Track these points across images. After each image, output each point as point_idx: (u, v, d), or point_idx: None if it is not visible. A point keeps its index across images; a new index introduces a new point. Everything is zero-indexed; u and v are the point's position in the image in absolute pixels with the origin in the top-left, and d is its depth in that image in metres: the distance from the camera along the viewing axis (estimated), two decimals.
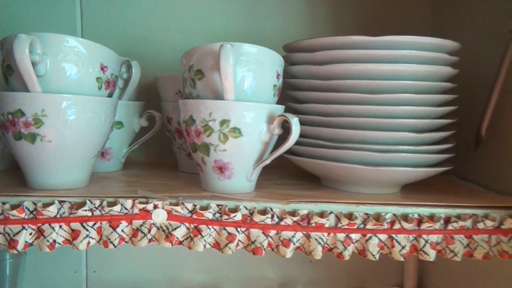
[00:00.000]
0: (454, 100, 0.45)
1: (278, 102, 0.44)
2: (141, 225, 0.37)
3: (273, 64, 0.42)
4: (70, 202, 0.37)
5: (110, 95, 0.44)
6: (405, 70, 0.41)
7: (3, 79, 0.40)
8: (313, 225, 0.38)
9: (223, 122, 0.39)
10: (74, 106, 0.38)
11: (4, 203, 0.36)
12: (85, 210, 0.36)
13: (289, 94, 0.49)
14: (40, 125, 0.37)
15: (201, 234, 0.38)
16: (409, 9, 0.66)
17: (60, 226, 0.37)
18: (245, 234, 0.38)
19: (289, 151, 0.47)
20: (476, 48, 0.52)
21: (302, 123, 0.42)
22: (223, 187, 0.42)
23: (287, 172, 0.56)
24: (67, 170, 0.41)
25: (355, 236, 0.39)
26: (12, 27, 0.62)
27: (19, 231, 0.36)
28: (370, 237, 0.39)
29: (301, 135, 0.42)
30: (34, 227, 0.36)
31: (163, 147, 0.64)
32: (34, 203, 0.36)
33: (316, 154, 0.44)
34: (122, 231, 0.37)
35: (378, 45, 0.40)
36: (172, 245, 0.37)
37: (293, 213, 0.39)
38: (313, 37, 0.67)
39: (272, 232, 0.38)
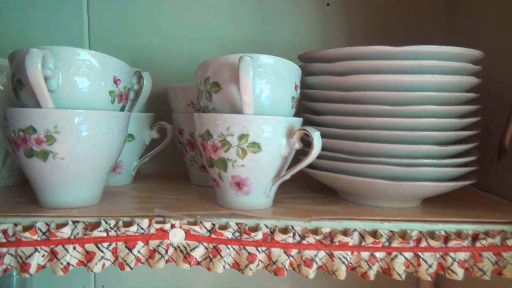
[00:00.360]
0: (477, 111, 0.44)
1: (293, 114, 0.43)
2: (158, 246, 0.36)
3: (291, 75, 0.41)
4: (84, 223, 0.36)
5: (122, 109, 0.43)
6: (428, 81, 0.39)
7: (13, 94, 0.39)
8: (337, 243, 0.37)
9: (242, 137, 0.37)
10: (87, 122, 0.37)
11: (16, 224, 0.35)
12: (100, 231, 0.35)
13: (305, 105, 0.48)
14: (52, 142, 0.36)
15: (220, 255, 0.36)
16: (421, 14, 0.65)
17: (74, 248, 0.35)
18: (265, 253, 0.37)
19: (307, 165, 0.45)
20: (496, 55, 0.51)
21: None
22: (240, 203, 0.41)
23: (303, 184, 0.54)
24: (80, 188, 0.39)
25: (379, 254, 0.37)
26: (19, 39, 0.61)
27: (32, 254, 0.35)
28: (396, 256, 0.37)
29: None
30: (47, 249, 0.35)
31: (173, 159, 0.63)
32: (47, 224, 0.35)
33: (336, 167, 0.43)
34: (139, 252, 0.36)
35: (401, 55, 0.39)
36: (190, 266, 0.36)
37: (315, 231, 0.37)
38: (326, 45, 0.66)
39: (294, 251, 0.37)
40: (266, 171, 0.40)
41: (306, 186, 0.54)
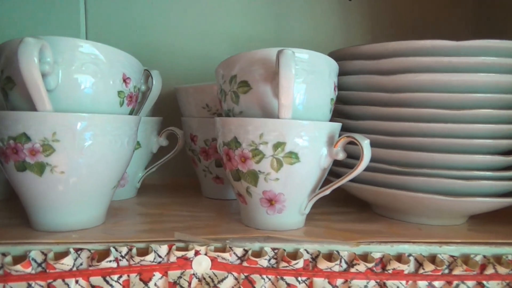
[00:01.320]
0: None
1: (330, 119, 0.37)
2: (179, 277, 0.30)
3: (331, 74, 0.35)
4: (89, 251, 0.29)
5: (131, 113, 0.37)
6: (490, 81, 0.34)
7: (1, 95, 0.33)
8: (390, 271, 0.31)
9: (277, 146, 0.32)
10: (92, 128, 0.31)
11: (4, 254, 0.28)
12: (110, 261, 0.29)
13: (336, 108, 0.43)
14: (50, 153, 0.30)
15: (254, 287, 0.30)
16: (448, 10, 0.61)
17: (77, 282, 0.29)
18: (306, 284, 0.31)
19: (339, 176, 0.40)
20: None
21: None
22: (271, 222, 0.35)
23: (329, 197, 0.49)
24: (82, 207, 0.33)
25: (438, 283, 0.32)
26: (11, 32, 0.55)
27: None
28: (458, 285, 0.32)
29: (354, 157, 0.36)
30: (43, 283, 0.29)
31: (180, 169, 0.57)
32: (43, 253, 0.29)
33: (378, 180, 0.37)
34: (155, 285, 0.30)
35: (461, 51, 0.34)
36: None
37: (364, 257, 0.32)
38: (347, 42, 0.61)
39: (339, 281, 0.31)
40: (303, 185, 0.34)
41: (333, 199, 0.48)
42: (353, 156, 0.38)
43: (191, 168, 0.53)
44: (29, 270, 0.28)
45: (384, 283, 0.32)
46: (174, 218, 0.38)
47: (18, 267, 0.27)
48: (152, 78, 0.44)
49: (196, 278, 0.31)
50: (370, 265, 0.31)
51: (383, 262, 0.32)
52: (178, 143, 0.47)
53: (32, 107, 0.31)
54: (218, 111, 0.46)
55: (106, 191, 0.35)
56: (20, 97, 0.31)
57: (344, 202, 0.47)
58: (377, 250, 0.32)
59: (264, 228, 0.35)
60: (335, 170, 0.41)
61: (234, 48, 0.59)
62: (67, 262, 0.28)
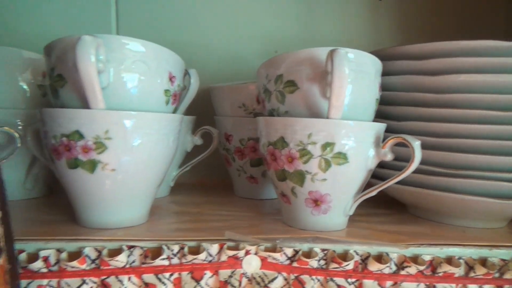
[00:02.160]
0: None
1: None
2: (230, 276, 0.30)
3: (377, 73, 0.35)
4: (142, 248, 0.30)
5: (174, 111, 0.37)
6: None
7: (49, 92, 0.33)
8: (440, 274, 0.31)
9: (326, 146, 0.32)
10: (143, 126, 0.31)
11: (59, 250, 0.29)
12: (163, 259, 0.29)
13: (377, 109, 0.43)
14: (102, 150, 0.30)
15: (304, 287, 0.30)
16: (479, 11, 0.60)
17: (129, 279, 0.29)
18: (355, 285, 0.31)
19: (383, 177, 0.40)
20: None
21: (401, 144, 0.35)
22: (316, 223, 0.35)
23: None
24: (129, 205, 0.34)
25: (488, 287, 0.32)
26: (42, 30, 0.55)
27: (79, 286, 0.29)
28: None
29: (398, 159, 0.36)
30: (96, 280, 0.29)
31: (210, 168, 0.57)
32: (97, 249, 0.29)
33: (420, 181, 0.37)
34: (206, 284, 0.30)
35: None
36: None
37: (414, 260, 0.32)
38: (377, 43, 0.61)
39: (389, 283, 0.31)
40: (349, 186, 0.34)
41: (368, 200, 0.47)
42: (396, 158, 0.38)
43: (221, 168, 0.53)
44: (84, 266, 0.28)
45: (434, 286, 0.31)
46: (215, 217, 0.38)
47: (75, 263, 0.28)
48: (189, 76, 0.44)
49: (246, 277, 0.31)
50: (421, 267, 0.31)
51: (433, 265, 0.32)
52: (213, 142, 0.47)
53: (82, 105, 0.31)
54: (255, 111, 0.46)
55: (152, 189, 0.35)
56: (71, 94, 0.31)
57: (381, 203, 0.47)
58: (427, 253, 0.32)
59: (308, 228, 0.35)
60: (376, 171, 0.41)
61: (264, 48, 0.59)
62: (121, 259, 0.29)
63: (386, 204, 0.46)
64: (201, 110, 0.56)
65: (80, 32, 0.56)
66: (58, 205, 0.41)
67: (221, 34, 0.59)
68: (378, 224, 0.38)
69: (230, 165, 0.49)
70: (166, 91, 0.34)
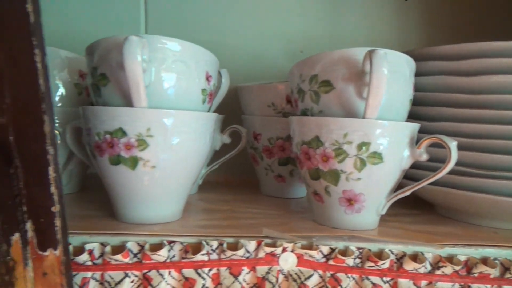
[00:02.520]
0: None
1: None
2: (267, 273, 0.31)
3: (411, 73, 0.36)
4: (181, 243, 0.30)
5: (208, 110, 0.38)
6: None
7: (91, 91, 0.34)
8: (476, 275, 0.31)
9: (362, 146, 0.32)
10: (183, 125, 0.32)
11: (103, 244, 0.30)
12: (203, 254, 0.30)
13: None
14: (144, 148, 0.31)
15: (340, 285, 0.31)
16: (505, 12, 0.60)
17: (169, 273, 0.30)
18: (390, 284, 0.32)
19: (412, 177, 0.40)
20: None
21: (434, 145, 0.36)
22: (348, 222, 0.35)
23: None
24: (166, 201, 0.34)
25: None
26: (71, 29, 0.57)
27: (122, 279, 0.30)
28: None
29: (431, 159, 0.36)
30: (138, 273, 0.30)
31: (236, 166, 0.58)
32: (139, 244, 0.30)
33: (451, 182, 0.37)
34: (244, 280, 0.31)
35: None
36: None
37: (449, 260, 0.32)
38: (403, 43, 0.61)
39: (424, 283, 0.32)
40: (383, 186, 0.34)
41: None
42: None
43: (246, 166, 0.54)
44: (127, 260, 0.29)
45: (469, 287, 0.32)
46: (246, 215, 0.39)
47: (119, 256, 0.29)
48: (221, 76, 0.45)
49: (283, 274, 0.31)
50: (457, 267, 0.31)
51: (468, 265, 0.32)
52: (242, 141, 0.47)
53: (124, 103, 0.32)
54: (284, 110, 0.46)
55: (187, 186, 0.36)
56: (113, 93, 0.32)
57: (408, 203, 0.47)
58: (462, 253, 0.32)
59: (340, 227, 0.36)
60: (407, 172, 0.41)
61: (289, 48, 0.60)
62: (163, 254, 0.29)
63: (414, 204, 0.47)
64: (227, 109, 0.56)
65: (110, 32, 0.58)
66: (93, 200, 0.42)
67: (246, 33, 0.60)
68: (408, 224, 0.39)
69: (258, 164, 0.50)
70: (203, 90, 0.35)
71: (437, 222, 0.40)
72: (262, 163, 0.49)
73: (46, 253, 0.22)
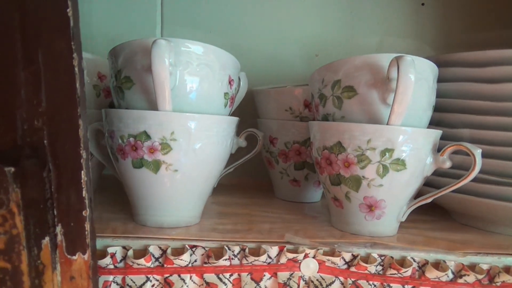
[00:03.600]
0: None
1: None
2: (289, 279, 0.31)
3: (434, 80, 0.36)
4: (204, 248, 0.30)
5: (229, 114, 0.38)
6: None
7: (114, 94, 0.34)
8: (498, 284, 0.31)
9: (385, 152, 0.32)
10: (206, 128, 0.32)
11: (125, 248, 0.30)
12: (225, 259, 0.29)
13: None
14: (167, 151, 0.31)
15: None
16: None
17: (191, 278, 0.30)
18: None
19: (431, 184, 0.40)
20: None
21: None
22: (368, 228, 0.35)
23: None
24: (186, 204, 0.34)
25: None
26: (87, 29, 0.57)
27: (143, 283, 0.29)
28: None
29: (454, 167, 0.36)
30: (159, 278, 0.30)
31: (249, 169, 0.58)
32: (161, 248, 0.30)
33: (471, 189, 0.37)
34: (265, 286, 0.31)
35: None
36: None
37: (471, 268, 0.32)
38: (419, 48, 0.61)
39: None
40: (405, 192, 0.34)
41: None
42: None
43: (260, 170, 0.54)
44: (149, 264, 0.29)
45: None
46: (265, 219, 0.39)
47: (141, 260, 0.29)
48: (239, 79, 0.45)
49: (304, 280, 0.31)
50: (480, 276, 0.31)
51: (490, 274, 0.32)
52: (258, 144, 0.47)
53: (148, 106, 0.32)
54: (301, 114, 0.46)
55: (207, 190, 0.36)
56: (138, 96, 0.32)
57: (423, 209, 0.46)
58: (484, 262, 0.32)
59: (360, 233, 0.35)
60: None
61: (306, 51, 0.60)
62: (185, 259, 0.29)
63: (429, 210, 0.46)
64: (241, 112, 0.56)
65: (125, 33, 0.58)
66: (110, 203, 0.42)
67: (262, 36, 0.59)
68: (427, 230, 0.38)
69: (273, 168, 0.49)
70: (226, 94, 0.35)
71: (455, 229, 0.40)
72: (278, 167, 0.49)
73: (74, 257, 0.22)
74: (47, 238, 0.22)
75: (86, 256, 0.23)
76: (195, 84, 0.33)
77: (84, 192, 0.21)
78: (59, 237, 0.22)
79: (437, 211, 0.46)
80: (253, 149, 0.47)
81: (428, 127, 0.39)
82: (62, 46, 0.19)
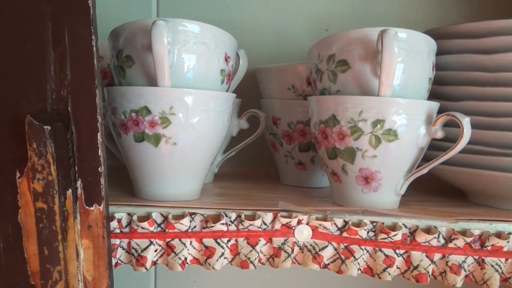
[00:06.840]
0: None
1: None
2: (283, 244, 0.43)
3: (430, 53, 0.47)
4: (202, 215, 0.43)
5: (227, 90, 0.50)
6: None
7: (116, 72, 0.47)
8: (489, 248, 0.42)
9: (377, 123, 0.44)
10: (203, 103, 0.44)
11: (130, 214, 0.42)
12: (222, 224, 0.42)
13: (431, 90, 0.54)
14: (167, 125, 0.43)
15: (354, 256, 0.42)
16: None
17: (191, 242, 0.42)
18: (403, 257, 0.43)
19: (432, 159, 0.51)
20: None
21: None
22: (366, 201, 0.47)
23: (420, 187, 0.60)
24: (186, 179, 0.47)
25: None
26: None
27: (147, 247, 0.42)
28: None
29: (450, 140, 0.47)
30: (161, 242, 0.42)
31: (253, 155, 0.70)
32: (162, 215, 0.43)
33: (474, 162, 0.48)
34: (261, 250, 0.43)
35: None
36: (320, 267, 0.42)
37: (463, 234, 0.43)
38: (440, 22, 0.72)
39: (437, 256, 0.43)
40: (400, 164, 0.46)
41: (426, 190, 0.59)
42: (449, 139, 0.49)
43: (265, 155, 0.65)
44: (152, 228, 0.42)
45: (483, 260, 0.43)
46: (267, 198, 0.51)
47: (145, 224, 0.41)
48: (238, 57, 0.57)
49: (298, 246, 0.43)
50: (468, 239, 0.42)
51: (481, 239, 0.43)
52: (261, 125, 0.59)
53: (148, 83, 0.45)
54: (305, 93, 0.58)
55: (207, 165, 0.48)
56: (138, 74, 0.45)
57: (440, 191, 0.58)
58: (476, 228, 0.43)
59: (357, 206, 0.47)
60: (428, 154, 0.52)
61: (314, 27, 0.72)
62: (185, 223, 0.42)
63: (446, 192, 0.57)
64: (245, 94, 0.69)
65: (121, 14, 0.71)
66: (111, 185, 0.55)
67: (266, 11, 0.72)
68: (431, 207, 0.50)
69: (277, 151, 0.62)
70: (222, 70, 0.47)
71: (464, 207, 0.51)
72: (282, 149, 0.61)
73: (92, 208, 0.35)
74: (70, 190, 0.34)
75: (101, 207, 0.35)
76: (192, 61, 0.45)
77: (99, 151, 0.34)
78: (79, 190, 0.35)
79: (455, 194, 0.57)
80: (256, 131, 0.59)
81: (430, 100, 0.51)
82: (83, 29, 0.31)
